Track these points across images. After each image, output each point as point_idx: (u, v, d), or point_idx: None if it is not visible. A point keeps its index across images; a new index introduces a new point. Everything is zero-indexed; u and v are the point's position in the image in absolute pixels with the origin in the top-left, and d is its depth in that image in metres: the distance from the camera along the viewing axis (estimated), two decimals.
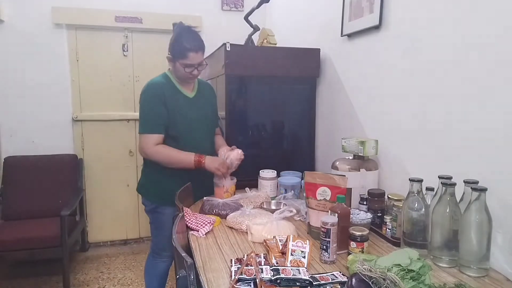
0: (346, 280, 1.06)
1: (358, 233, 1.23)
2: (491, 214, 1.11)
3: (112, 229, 3.45)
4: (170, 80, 1.87)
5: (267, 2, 2.47)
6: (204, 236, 1.45)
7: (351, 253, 1.22)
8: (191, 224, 1.50)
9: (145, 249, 3.34)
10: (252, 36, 2.57)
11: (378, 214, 1.52)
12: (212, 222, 1.52)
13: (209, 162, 1.80)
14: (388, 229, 1.41)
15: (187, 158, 1.79)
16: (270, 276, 1.02)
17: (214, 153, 2.02)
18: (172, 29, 1.86)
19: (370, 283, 0.95)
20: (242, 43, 2.53)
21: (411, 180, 1.28)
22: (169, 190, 1.82)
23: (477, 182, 1.18)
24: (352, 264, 1.11)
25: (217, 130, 2.14)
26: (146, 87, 1.84)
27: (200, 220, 1.52)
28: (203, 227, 1.48)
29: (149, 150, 1.79)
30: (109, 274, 2.92)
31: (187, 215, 1.54)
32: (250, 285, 1.03)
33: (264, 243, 1.34)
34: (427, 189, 1.31)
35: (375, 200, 1.54)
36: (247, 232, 1.45)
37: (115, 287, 2.74)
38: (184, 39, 1.77)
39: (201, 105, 1.94)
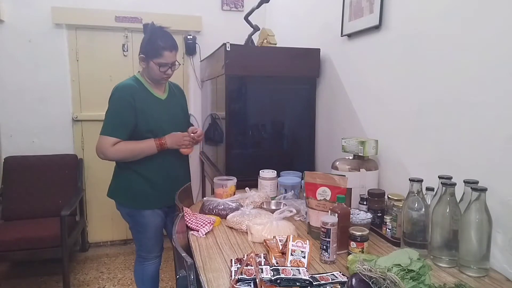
0: (346, 280, 1.06)
1: (358, 233, 1.23)
2: (491, 214, 1.11)
3: (112, 229, 3.45)
4: (141, 83, 1.85)
5: (267, 2, 2.46)
6: (204, 236, 1.45)
7: (351, 253, 1.22)
8: (191, 224, 1.50)
9: None
10: (252, 36, 2.57)
11: (378, 214, 1.52)
12: (212, 222, 1.52)
13: (171, 141, 1.81)
14: (388, 229, 1.41)
15: (148, 145, 1.78)
16: (270, 276, 1.02)
17: (186, 155, 1.98)
18: (142, 30, 1.86)
19: (370, 283, 0.95)
20: (242, 43, 2.53)
21: (411, 180, 1.28)
22: (145, 192, 1.82)
23: (477, 182, 1.18)
24: (352, 264, 1.12)
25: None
26: (114, 90, 1.80)
27: (200, 220, 1.52)
28: (203, 227, 1.48)
29: (108, 151, 1.73)
30: (109, 274, 2.92)
31: (187, 215, 1.54)
32: (250, 285, 1.03)
33: (264, 243, 1.34)
34: (427, 189, 1.31)
35: (375, 200, 1.54)
36: (247, 232, 1.45)
37: (115, 287, 2.74)
38: (159, 38, 1.78)
39: (173, 107, 1.93)
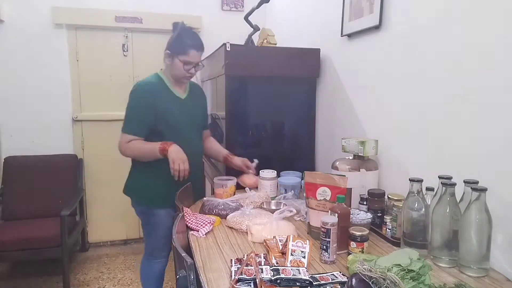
0: (346, 280, 1.06)
1: (358, 233, 1.23)
2: (491, 214, 1.11)
3: (112, 229, 3.45)
4: (162, 81, 1.86)
5: (267, 2, 2.46)
6: (204, 236, 1.45)
7: (351, 253, 1.22)
8: (191, 224, 1.50)
9: None
10: (252, 36, 2.57)
11: (378, 214, 1.52)
12: (212, 222, 1.52)
13: (173, 151, 1.72)
14: (388, 229, 1.41)
15: (152, 148, 1.75)
16: (270, 276, 1.02)
17: (201, 154, 2.02)
18: (172, 28, 1.86)
19: (370, 283, 0.95)
20: (242, 43, 2.53)
21: (411, 180, 1.28)
22: (160, 192, 1.82)
23: (477, 182, 1.18)
24: (352, 264, 1.11)
25: (206, 132, 2.13)
26: (135, 87, 1.82)
27: (200, 220, 1.52)
28: (203, 227, 1.48)
29: (123, 148, 1.79)
30: (109, 274, 2.92)
31: (187, 215, 1.54)
32: (250, 285, 1.03)
33: (264, 243, 1.34)
34: (427, 189, 1.31)
35: (375, 200, 1.54)
36: (247, 232, 1.45)
37: (115, 287, 2.74)
38: (187, 36, 1.80)
39: (192, 107, 1.94)
